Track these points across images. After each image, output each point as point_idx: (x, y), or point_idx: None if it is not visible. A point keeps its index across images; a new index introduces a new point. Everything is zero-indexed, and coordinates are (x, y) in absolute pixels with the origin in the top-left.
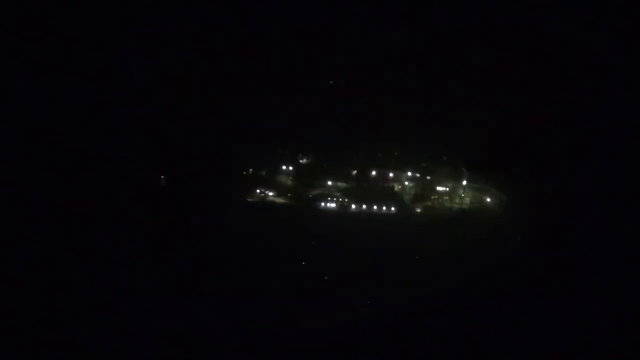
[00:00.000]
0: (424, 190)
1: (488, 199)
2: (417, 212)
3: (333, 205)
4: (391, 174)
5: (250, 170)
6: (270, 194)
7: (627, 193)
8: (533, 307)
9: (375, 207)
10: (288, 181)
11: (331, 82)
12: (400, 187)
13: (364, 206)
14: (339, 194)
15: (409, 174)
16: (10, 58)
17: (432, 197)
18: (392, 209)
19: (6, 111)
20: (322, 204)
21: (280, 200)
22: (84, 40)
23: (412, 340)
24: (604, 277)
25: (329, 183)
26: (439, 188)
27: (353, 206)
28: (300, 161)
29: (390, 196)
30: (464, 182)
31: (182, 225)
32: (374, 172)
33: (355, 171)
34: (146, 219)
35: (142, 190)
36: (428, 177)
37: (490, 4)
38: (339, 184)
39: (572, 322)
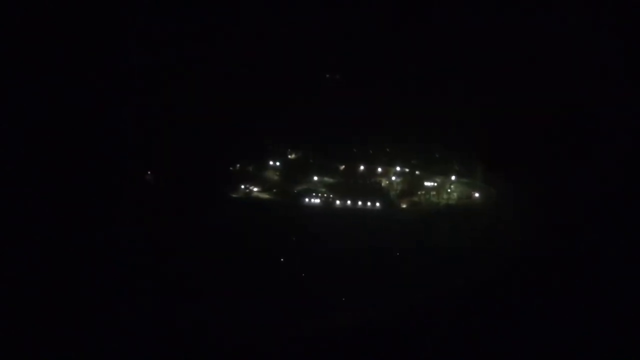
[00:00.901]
0: (411, 186)
1: (476, 194)
2: (403, 208)
3: (317, 201)
4: (379, 169)
5: (238, 165)
6: (255, 189)
7: (624, 193)
8: (522, 304)
9: (360, 203)
10: (274, 177)
11: (327, 75)
12: (387, 182)
13: (349, 202)
14: (324, 190)
15: (398, 169)
16: (10, 58)
17: (419, 193)
18: (377, 204)
19: (6, 111)
20: (307, 199)
21: (265, 196)
22: (84, 40)
23: (402, 336)
24: (599, 276)
25: (315, 178)
26: (426, 183)
27: (337, 202)
28: (289, 157)
29: (376, 192)
30: (453, 178)
31: (176, 224)
32: (362, 168)
33: (344, 167)
34: (143, 218)
35: (140, 189)
36: (417, 172)
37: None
38: (325, 179)
39: (560, 318)
